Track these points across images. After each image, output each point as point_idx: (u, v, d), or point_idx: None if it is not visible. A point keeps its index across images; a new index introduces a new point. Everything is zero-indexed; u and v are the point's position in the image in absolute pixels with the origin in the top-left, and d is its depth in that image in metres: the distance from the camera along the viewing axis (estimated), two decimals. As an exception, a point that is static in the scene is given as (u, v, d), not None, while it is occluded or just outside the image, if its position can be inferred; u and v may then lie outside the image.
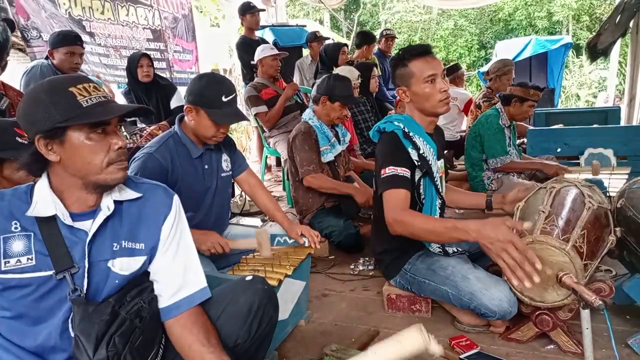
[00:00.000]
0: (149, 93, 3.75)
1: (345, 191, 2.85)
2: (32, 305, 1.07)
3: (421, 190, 1.94)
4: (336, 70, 3.76)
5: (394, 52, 5.98)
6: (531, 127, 4.20)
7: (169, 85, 3.91)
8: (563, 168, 3.03)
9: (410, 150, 1.88)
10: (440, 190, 2.00)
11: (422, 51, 1.90)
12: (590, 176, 2.81)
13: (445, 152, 3.02)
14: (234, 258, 2.08)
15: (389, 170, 1.84)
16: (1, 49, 2.22)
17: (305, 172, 2.84)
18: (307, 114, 2.99)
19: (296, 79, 5.30)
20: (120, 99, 3.86)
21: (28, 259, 1.06)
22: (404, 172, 1.84)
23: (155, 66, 3.88)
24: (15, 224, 1.07)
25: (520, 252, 1.50)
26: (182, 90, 4.68)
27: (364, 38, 5.39)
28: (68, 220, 1.09)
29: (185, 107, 1.94)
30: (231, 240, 2.00)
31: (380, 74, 5.31)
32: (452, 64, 5.37)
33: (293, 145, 2.92)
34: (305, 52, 6.38)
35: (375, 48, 5.76)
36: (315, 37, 5.24)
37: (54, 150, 1.05)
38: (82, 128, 1.05)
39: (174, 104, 3.80)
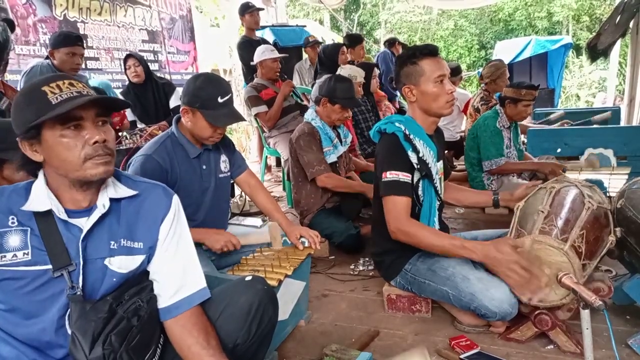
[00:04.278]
0: (146, 93, 3.76)
1: (357, 189, 2.85)
2: (25, 299, 1.07)
3: (420, 192, 1.94)
4: (341, 70, 3.75)
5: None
6: (530, 127, 4.20)
7: (167, 84, 3.89)
8: (559, 166, 3.03)
9: (410, 153, 1.88)
10: (440, 192, 2.01)
11: (433, 51, 1.90)
12: (590, 176, 2.81)
13: (445, 152, 3.02)
14: (234, 258, 2.08)
15: (390, 175, 1.85)
16: (1, 49, 2.23)
17: (317, 172, 2.82)
18: (310, 115, 2.98)
19: (295, 82, 5.31)
20: None
21: (24, 253, 1.06)
22: (405, 177, 1.85)
23: (150, 66, 3.90)
24: (12, 218, 1.07)
25: (525, 270, 1.64)
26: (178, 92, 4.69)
27: (349, 40, 5.41)
28: (63, 215, 1.09)
29: (181, 108, 1.94)
30: (242, 237, 2.02)
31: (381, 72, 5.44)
32: (453, 64, 5.38)
33: (297, 146, 2.89)
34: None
35: (382, 48, 5.82)
36: (307, 42, 5.23)
37: (37, 151, 1.06)
38: (55, 125, 1.03)
39: (172, 103, 3.80)
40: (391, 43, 6.35)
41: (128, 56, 3.75)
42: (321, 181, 2.83)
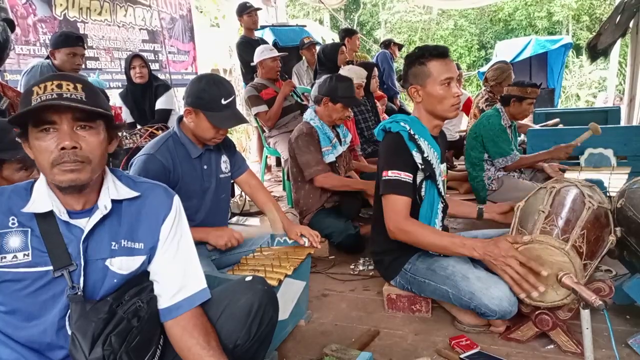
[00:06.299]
0: (145, 95, 3.74)
1: (357, 187, 2.86)
2: (26, 300, 1.07)
3: (422, 193, 1.93)
4: (343, 71, 3.74)
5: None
6: (532, 126, 4.19)
7: (160, 86, 3.86)
8: (569, 145, 3.10)
9: (414, 153, 1.87)
10: (443, 194, 2.00)
11: (442, 52, 1.89)
12: (590, 176, 2.81)
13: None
14: (234, 258, 2.08)
15: (391, 174, 1.85)
16: (1, 49, 2.23)
17: (314, 172, 2.82)
18: (309, 114, 2.98)
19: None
20: (118, 101, 3.86)
21: (24, 255, 1.06)
22: (407, 177, 1.85)
23: (151, 66, 3.88)
24: (13, 219, 1.07)
25: (523, 265, 1.62)
26: (179, 91, 4.67)
27: (344, 32, 5.67)
28: (64, 216, 1.09)
29: (184, 109, 1.94)
30: (243, 231, 2.06)
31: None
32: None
33: (295, 146, 2.90)
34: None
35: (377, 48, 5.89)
36: (303, 44, 5.24)
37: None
38: (32, 127, 1.03)
39: (158, 105, 3.76)
40: (387, 44, 6.49)
41: (134, 56, 3.73)
42: (319, 181, 2.84)
